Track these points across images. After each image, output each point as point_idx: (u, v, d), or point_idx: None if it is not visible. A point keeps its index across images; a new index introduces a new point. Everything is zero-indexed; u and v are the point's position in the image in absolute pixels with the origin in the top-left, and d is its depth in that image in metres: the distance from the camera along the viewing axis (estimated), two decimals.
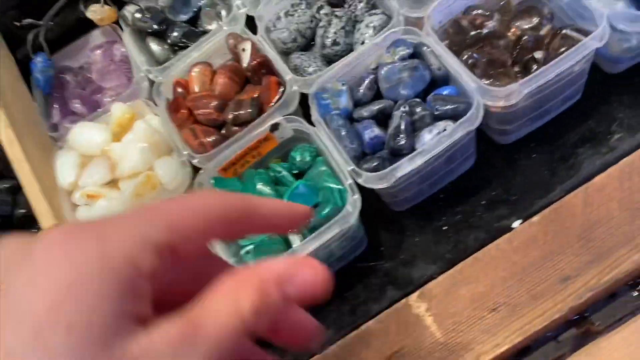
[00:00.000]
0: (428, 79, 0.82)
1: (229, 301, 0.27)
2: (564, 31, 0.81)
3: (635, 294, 0.83)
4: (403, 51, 0.83)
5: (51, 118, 1.07)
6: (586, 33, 0.80)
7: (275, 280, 0.28)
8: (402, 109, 0.79)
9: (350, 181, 0.79)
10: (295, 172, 0.88)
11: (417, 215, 0.92)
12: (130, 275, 0.26)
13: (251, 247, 0.82)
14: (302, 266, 0.30)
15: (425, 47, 0.84)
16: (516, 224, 0.86)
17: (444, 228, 0.89)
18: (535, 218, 0.86)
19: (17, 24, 1.08)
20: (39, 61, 1.06)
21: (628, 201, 0.83)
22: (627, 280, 0.82)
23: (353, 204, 0.78)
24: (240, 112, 0.89)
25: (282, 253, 0.79)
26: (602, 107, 0.91)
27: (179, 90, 0.97)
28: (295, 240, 0.81)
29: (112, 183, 0.93)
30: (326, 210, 0.81)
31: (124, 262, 0.26)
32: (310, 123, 0.87)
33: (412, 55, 0.84)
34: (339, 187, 0.81)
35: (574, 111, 0.92)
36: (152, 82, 1.02)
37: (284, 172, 0.88)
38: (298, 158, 0.87)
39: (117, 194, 0.89)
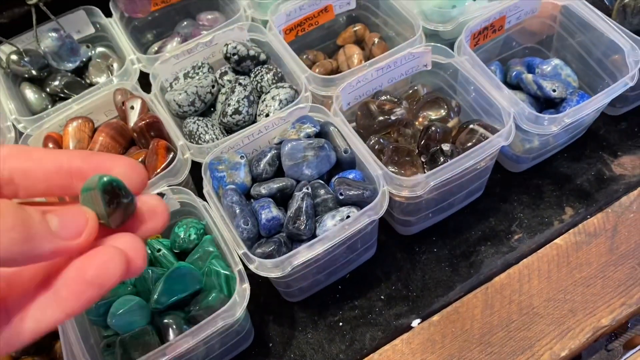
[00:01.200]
0: (333, 160, 0.76)
1: None
2: (471, 126, 0.80)
3: None
4: (309, 129, 0.78)
5: None
6: (493, 130, 0.79)
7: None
8: (304, 190, 0.72)
9: (240, 267, 0.69)
10: (177, 250, 0.77)
11: (312, 308, 0.83)
12: None
13: (114, 339, 0.68)
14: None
15: (332, 127, 0.78)
16: (415, 322, 0.80)
17: (339, 324, 0.81)
18: (434, 318, 0.80)
19: None
20: None
21: (527, 305, 0.80)
22: None
23: (241, 294, 0.68)
24: None
25: (153, 348, 0.66)
26: (503, 205, 0.90)
27: (50, 145, 0.83)
28: (170, 332, 0.69)
29: None
30: (209, 299, 0.70)
31: None
32: (201, 196, 0.77)
33: (318, 134, 0.79)
34: (227, 272, 0.71)
35: (476, 207, 0.90)
36: (20, 134, 0.87)
37: (164, 251, 0.76)
38: (182, 235, 0.76)
39: None
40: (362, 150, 0.76)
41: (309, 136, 0.77)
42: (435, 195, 0.80)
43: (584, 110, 0.78)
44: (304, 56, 1.00)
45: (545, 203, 0.89)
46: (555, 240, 0.86)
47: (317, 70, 0.97)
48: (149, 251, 0.76)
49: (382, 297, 0.83)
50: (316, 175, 0.75)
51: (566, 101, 0.88)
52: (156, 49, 1.07)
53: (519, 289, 0.82)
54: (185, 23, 1.09)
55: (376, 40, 0.99)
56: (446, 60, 0.86)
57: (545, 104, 0.90)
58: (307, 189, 0.72)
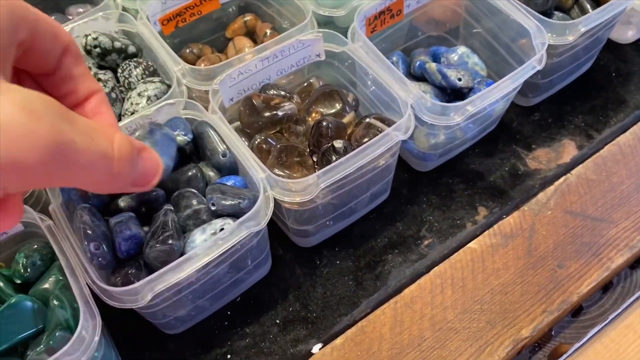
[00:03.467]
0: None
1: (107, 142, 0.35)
2: (367, 120, 0.70)
3: None
4: (180, 137, 0.66)
5: None
6: (390, 123, 0.70)
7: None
8: (165, 206, 0.60)
9: (89, 298, 0.56)
10: (19, 281, 0.63)
11: (195, 341, 0.70)
12: (10, 33, 0.34)
13: None
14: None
15: (208, 128, 0.67)
16: (316, 348, 0.69)
17: (227, 357, 0.69)
18: (337, 341, 0.70)
19: None
20: None
21: (441, 319, 0.71)
22: None
23: (90, 330, 0.55)
24: None
25: None
26: (411, 208, 0.81)
27: None
28: None
29: None
30: (51, 340, 0.56)
31: (8, 20, 0.34)
32: (48, 214, 0.63)
33: (193, 140, 0.67)
34: (75, 306, 0.58)
35: (382, 211, 0.81)
36: None
37: (2, 283, 0.62)
38: (22, 262, 0.62)
39: None
40: (243, 152, 0.65)
41: (180, 145, 0.65)
42: (332, 198, 0.70)
43: (490, 97, 0.70)
44: (187, 50, 0.88)
45: (456, 204, 0.81)
46: (469, 244, 0.77)
47: (202, 65, 0.86)
48: None
49: (278, 321, 0.72)
50: (187, 186, 0.63)
51: (473, 91, 0.80)
52: None
53: (431, 301, 0.73)
54: (53, 17, 0.95)
55: (268, 31, 0.88)
56: (340, 49, 0.76)
57: (452, 95, 0.82)
58: (169, 205, 0.60)
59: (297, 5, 0.82)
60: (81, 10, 0.95)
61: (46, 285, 0.61)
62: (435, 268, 0.75)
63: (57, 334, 0.57)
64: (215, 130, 0.67)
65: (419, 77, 0.85)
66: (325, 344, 0.70)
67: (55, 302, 0.58)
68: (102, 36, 0.77)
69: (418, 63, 0.84)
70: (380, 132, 0.68)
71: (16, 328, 0.58)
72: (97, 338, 0.55)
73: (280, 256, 0.77)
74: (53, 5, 0.96)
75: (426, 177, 0.84)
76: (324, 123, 0.69)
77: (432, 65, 0.81)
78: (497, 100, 0.72)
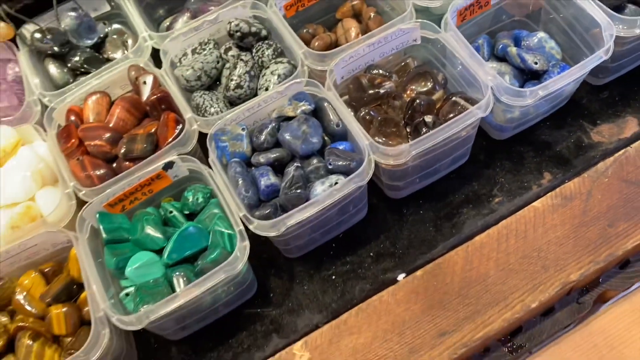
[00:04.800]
0: (322, 135, 0.84)
1: None
2: (453, 98, 0.87)
3: (506, 350, 0.88)
4: (304, 106, 0.85)
5: None
6: (474, 102, 0.86)
7: None
8: (295, 164, 0.81)
9: (241, 227, 0.79)
10: (187, 212, 0.87)
11: (309, 264, 0.92)
12: None
13: (131, 289, 0.79)
14: None
15: (325, 103, 0.86)
16: (400, 277, 0.89)
17: (332, 277, 0.91)
18: (418, 272, 0.89)
19: None
20: None
21: (504, 262, 0.88)
22: (498, 337, 0.87)
23: (242, 250, 0.78)
24: (134, 146, 0.86)
25: (165, 296, 0.76)
26: (486, 171, 0.97)
27: (72, 118, 0.93)
28: (179, 283, 0.79)
29: None
30: (214, 255, 0.79)
31: None
32: (207, 163, 0.86)
33: (313, 110, 0.86)
34: (230, 232, 0.81)
35: (461, 172, 0.97)
36: (45, 107, 0.97)
37: (175, 212, 0.86)
38: (190, 199, 0.85)
39: None
40: (352, 123, 0.84)
41: (304, 113, 0.85)
42: (420, 162, 0.87)
43: (559, 83, 0.84)
44: (304, 30, 1.06)
45: (525, 169, 0.96)
46: (533, 203, 0.93)
47: (316, 43, 1.04)
48: (162, 212, 0.86)
49: (371, 254, 0.92)
50: (310, 148, 0.83)
51: (548, 73, 0.93)
52: (168, 24, 1.14)
53: (497, 247, 0.90)
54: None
55: (372, 14, 1.04)
56: (434, 36, 0.92)
57: (529, 75, 0.96)
58: (299, 163, 0.81)
59: None
60: None
61: (208, 216, 0.84)
62: (503, 221, 0.92)
63: (217, 251, 0.80)
64: (330, 105, 0.86)
65: (501, 58, 0.99)
66: (408, 274, 0.89)
67: (216, 228, 0.81)
68: (242, 22, 0.96)
69: (501, 46, 0.98)
70: (464, 109, 0.85)
71: (188, 245, 0.81)
72: (246, 256, 0.78)
73: (375, 205, 0.96)
74: None
75: (502, 145, 0.99)
76: (417, 101, 0.86)
77: (513, 49, 0.95)
78: (566, 85, 0.86)
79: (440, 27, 0.92)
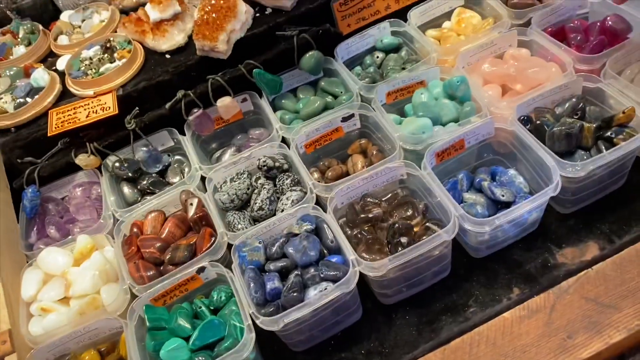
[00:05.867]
0: (319, 250, 1.06)
1: None
2: (427, 224, 1.07)
3: None
4: (307, 226, 1.09)
5: (29, 238, 1.30)
6: (443, 227, 1.06)
7: None
8: (295, 272, 1.03)
9: (249, 322, 1.00)
10: (212, 308, 1.09)
11: (310, 356, 1.11)
12: None
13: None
14: None
15: (324, 224, 1.09)
16: None
17: None
18: None
19: (19, 160, 1.34)
20: (29, 191, 1.31)
21: None
22: None
23: (248, 341, 0.98)
24: (177, 254, 1.12)
25: None
26: (465, 284, 1.15)
27: (135, 230, 1.21)
28: None
29: (65, 300, 1.13)
30: (227, 343, 1.00)
31: None
32: (231, 269, 1.10)
33: (314, 229, 1.10)
34: (241, 325, 1.02)
35: (444, 284, 1.15)
36: (116, 220, 1.26)
37: (203, 308, 1.08)
38: (215, 297, 1.08)
39: (66, 310, 1.09)
40: (343, 241, 1.06)
41: (306, 232, 1.08)
42: (402, 274, 1.07)
43: (512, 214, 1.03)
44: (322, 162, 1.32)
45: (498, 284, 1.13)
46: (503, 314, 1.09)
47: (329, 173, 1.29)
48: (194, 308, 1.09)
49: (363, 351, 1.10)
50: (308, 261, 1.05)
51: (514, 204, 1.13)
52: (218, 155, 1.44)
53: (469, 351, 1.05)
54: (239, 136, 1.46)
55: (374, 152, 1.29)
56: (416, 173, 1.15)
57: (501, 205, 1.15)
58: (298, 271, 1.03)
59: (390, 139, 1.22)
60: (257, 132, 1.44)
61: (227, 312, 1.06)
62: (476, 328, 1.08)
63: (230, 340, 1.01)
64: (328, 226, 1.09)
65: (479, 189, 1.19)
66: None
67: (232, 322, 1.03)
68: (269, 159, 1.24)
69: (478, 180, 1.19)
70: (433, 232, 1.05)
71: (209, 334, 1.03)
72: (252, 345, 0.99)
73: (369, 309, 1.15)
74: (240, 128, 1.48)
75: (479, 262, 1.17)
76: (397, 225, 1.07)
77: (485, 184, 1.16)
78: (519, 216, 1.05)
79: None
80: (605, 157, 1.06)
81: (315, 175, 1.29)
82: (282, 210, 1.17)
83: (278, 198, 1.21)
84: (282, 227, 1.14)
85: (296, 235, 1.10)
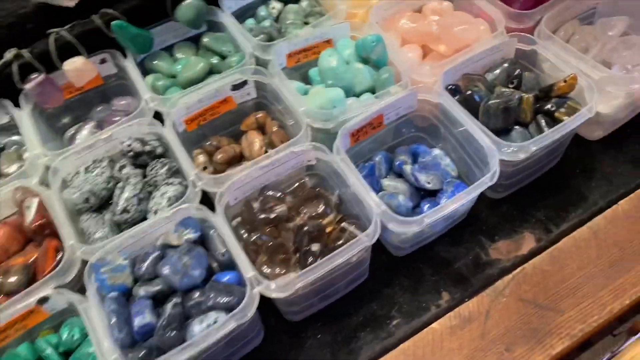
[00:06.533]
0: (206, 266, 0.81)
1: None
2: (342, 224, 0.86)
3: None
4: (190, 234, 0.83)
5: None
6: (363, 227, 0.85)
7: None
8: (174, 300, 0.78)
9: None
10: (62, 350, 0.81)
11: None
12: None
13: None
14: None
15: (212, 231, 0.84)
16: None
17: None
18: None
19: None
20: None
21: None
22: None
23: None
24: (7, 280, 0.82)
25: None
26: (386, 290, 0.95)
27: None
28: None
29: None
30: None
31: None
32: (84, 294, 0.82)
33: (199, 239, 0.84)
34: None
35: (361, 291, 0.95)
36: None
37: (49, 350, 0.80)
38: (65, 336, 0.81)
39: None
40: (237, 253, 0.81)
41: (188, 242, 0.82)
42: (313, 289, 0.85)
43: (444, 210, 0.84)
44: (209, 142, 1.05)
45: (424, 287, 0.95)
46: (432, 325, 0.91)
47: (219, 156, 1.02)
48: (37, 352, 0.81)
49: None
50: (190, 283, 0.79)
51: (442, 192, 0.94)
52: (72, 133, 1.12)
53: None
54: (100, 108, 1.14)
55: (275, 128, 1.04)
56: (327, 158, 0.92)
57: (425, 192, 0.96)
58: (178, 298, 0.78)
59: (294, 114, 0.98)
60: (123, 102, 1.13)
61: (84, 354, 0.79)
62: (401, 345, 0.89)
63: None
64: (218, 232, 0.84)
65: (399, 174, 0.99)
66: None
67: None
68: (135, 142, 0.95)
69: (398, 163, 0.99)
70: (351, 236, 0.84)
71: None
72: None
73: (272, 327, 0.93)
74: (101, 97, 1.16)
75: (401, 262, 0.98)
76: (306, 228, 0.84)
77: (408, 168, 0.95)
78: (451, 211, 0.86)
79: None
80: (548, 136, 0.90)
81: (201, 158, 1.02)
82: (156, 212, 0.89)
83: (150, 194, 0.93)
84: (156, 235, 0.87)
85: (175, 247, 0.84)
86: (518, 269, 0.95)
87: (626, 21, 1.04)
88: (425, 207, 0.94)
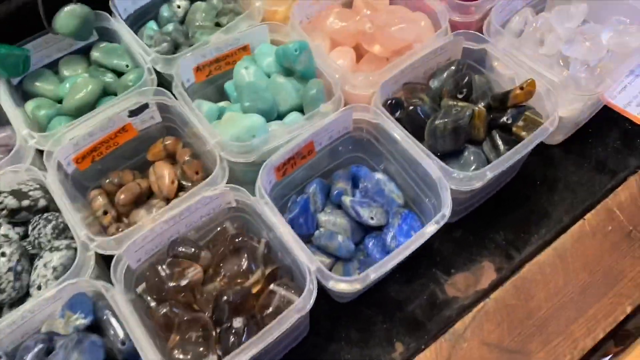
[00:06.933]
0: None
1: None
2: (271, 286, 0.71)
3: None
4: (79, 320, 0.66)
5: None
6: (295, 288, 0.70)
7: None
8: None
9: None
10: None
11: None
12: None
13: None
14: None
15: (107, 313, 0.67)
16: None
17: None
18: None
19: None
20: None
21: None
22: None
23: None
24: None
25: None
26: (330, 345, 0.82)
27: None
28: None
29: None
30: None
31: None
32: None
33: (92, 325, 0.67)
34: None
35: (300, 350, 0.81)
36: None
37: None
38: None
39: None
40: (140, 341, 0.65)
41: (78, 330, 0.66)
42: None
43: (391, 263, 0.70)
44: (107, 180, 0.87)
45: (374, 339, 0.82)
46: None
47: (122, 196, 0.85)
48: None
49: None
50: None
51: (388, 226, 0.80)
52: None
53: None
54: None
55: (187, 157, 0.87)
56: (248, 201, 0.76)
57: (368, 227, 0.82)
58: None
59: (205, 146, 0.81)
60: (2, 134, 0.93)
61: None
62: None
63: None
64: (115, 314, 0.67)
65: (337, 205, 0.85)
66: None
67: None
68: (9, 197, 0.76)
69: (336, 192, 0.84)
70: (283, 302, 0.69)
71: None
72: None
73: None
74: None
75: (347, 309, 0.84)
76: (225, 298, 0.69)
77: (347, 200, 0.81)
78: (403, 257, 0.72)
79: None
80: (506, 158, 0.76)
81: (100, 201, 0.85)
82: (39, 288, 0.72)
83: (32, 264, 0.75)
84: (40, 319, 0.69)
85: (64, 335, 0.67)
86: (479, 306, 0.83)
87: (584, 9, 0.90)
88: (370, 244, 0.81)
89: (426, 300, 0.84)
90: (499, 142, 0.79)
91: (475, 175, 0.74)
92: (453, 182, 0.75)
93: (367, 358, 0.80)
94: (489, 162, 0.80)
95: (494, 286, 0.85)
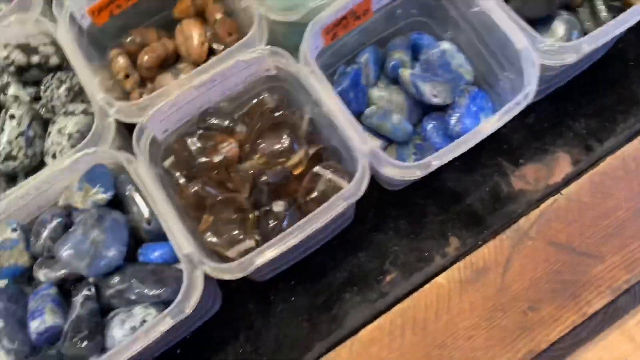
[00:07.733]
0: (126, 242, 0.57)
1: None
2: (316, 169, 0.61)
3: None
4: (99, 194, 0.58)
5: None
6: (342, 172, 0.60)
7: None
8: (84, 291, 0.55)
9: None
10: None
11: None
12: None
13: None
14: None
15: (130, 188, 0.59)
16: None
17: None
18: None
19: None
20: None
21: None
22: None
23: None
24: None
25: None
26: (376, 236, 0.74)
27: None
28: None
29: None
30: None
31: None
32: None
33: (113, 200, 0.59)
34: None
35: (345, 238, 0.73)
36: None
37: None
38: None
39: None
40: (168, 220, 0.57)
41: (97, 206, 0.58)
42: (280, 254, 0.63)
43: (452, 153, 0.60)
44: (129, 38, 0.76)
45: (426, 231, 0.73)
46: (436, 279, 0.71)
47: (145, 58, 0.75)
48: None
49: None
50: (104, 269, 0.56)
51: (452, 107, 0.68)
52: None
53: (389, 344, 0.69)
54: None
55: (219, 16, 0.75)
56: (290, 68, 0.64)
57: (429, 107, 0.70)
58: (89, 290, 0.55)
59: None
60: None
61: None
62: (397, 305, 0.70)
63: None
64: (139, 190, 0.59)
65: (393, 79, 0.72)
66: None
67: None
68: (16, 51, 0.66)
69: (392, 64, 0.72)
70: (330, 185, 0.60)
71: None
72: None
73: (236, 288, 0.72)
74: None
75: (396, 197, 0.75)
76: (264, 178, 0.60)
77: (406, 73, 0.69)
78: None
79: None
80: (610, 28, 0.61)
81: (121, 62, 0.75)
82: (54, 156, 0.64)
83: (46, 130, 0.66)
84: (56, 190, 0.62)
85: (83, 210, 0.59)
86: (548, 201, 0.73)
87: None
88: (429, 126, 0.70)
89: (488, 192, 0.74)
90: (602, 7, 0.64)
91: (571, 47, 0.61)
92: (541, 55, 0.61)
93: (417, 251, 0.73)
94: (584, 33, 0.65)
95: (567, 180, 0.74)
